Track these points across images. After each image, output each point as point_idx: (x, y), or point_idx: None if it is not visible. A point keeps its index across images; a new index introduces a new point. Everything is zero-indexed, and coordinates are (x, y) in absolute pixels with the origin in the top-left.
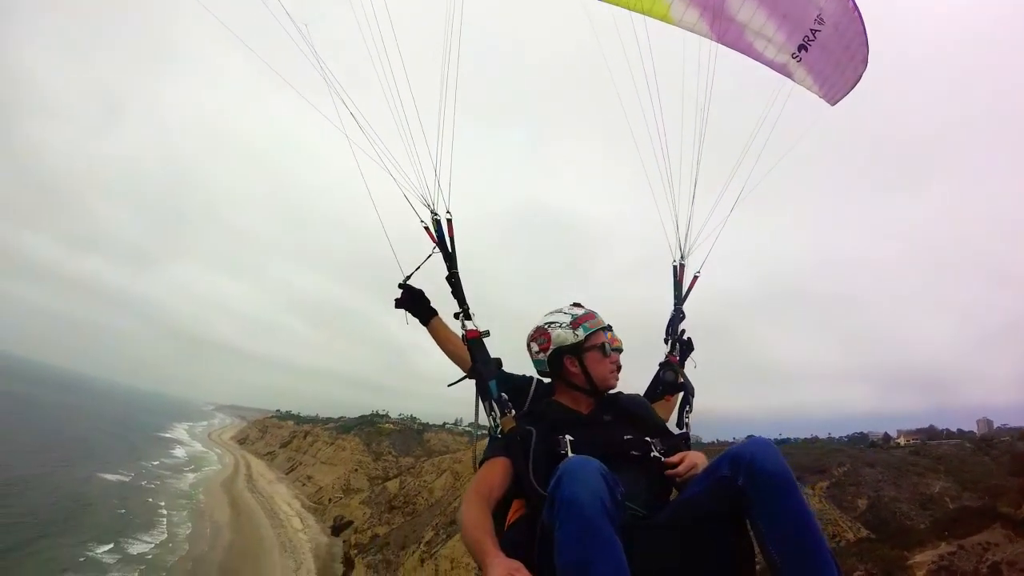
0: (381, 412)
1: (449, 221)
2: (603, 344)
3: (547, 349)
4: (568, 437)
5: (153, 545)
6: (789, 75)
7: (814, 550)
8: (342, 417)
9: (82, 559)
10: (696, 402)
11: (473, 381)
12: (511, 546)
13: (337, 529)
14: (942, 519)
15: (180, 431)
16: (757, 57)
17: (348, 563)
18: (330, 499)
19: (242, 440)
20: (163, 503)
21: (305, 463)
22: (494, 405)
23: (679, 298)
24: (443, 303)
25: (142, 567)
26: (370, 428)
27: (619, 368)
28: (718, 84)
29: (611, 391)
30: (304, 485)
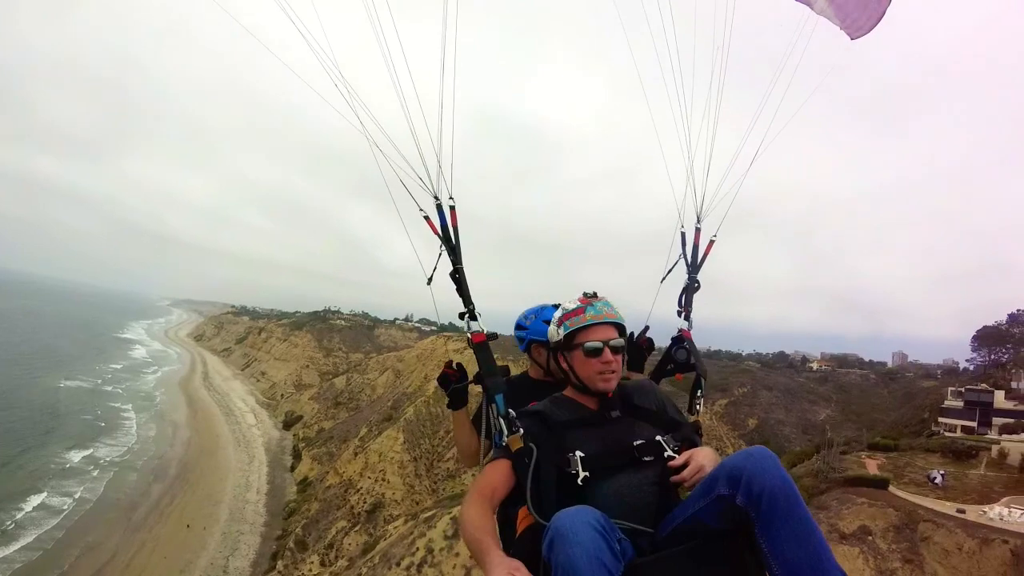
0: (333, 308)
1: (452, 208)
2: (585, 344)
3: (551, 342)
4: (579, 454)
5: (124, 449)
6: (809, 3)
7: (817, 571)
8: (296, 312)
9: (65, 467)
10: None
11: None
12: (520, 556)
13: (288, 424)
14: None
15: (139, 330)
16: None
17: (296, 455)
18: (282, 395)
19: (198, 337)
20: (128, 406)
21: (260, 359)
22: (501, 422)
23: (694, 266)
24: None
25: (116, 469)
26: (322, 324)
27: (613, 371)
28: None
29: (610, 391)
30: (258, 381)
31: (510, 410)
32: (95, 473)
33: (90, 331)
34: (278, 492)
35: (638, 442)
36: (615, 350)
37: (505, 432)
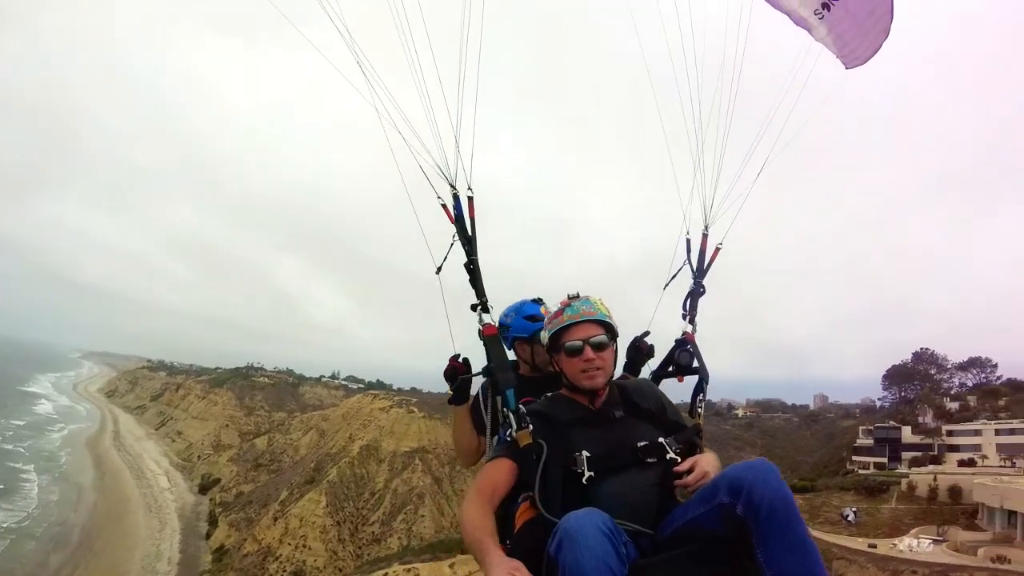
0: (257, 365)
1: (470, 199)
2: (565, 345)
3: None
4: (585, 453)
5: (23, 515)
6: (809, 30)
7: None
8: (217, 368)
9: None
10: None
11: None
12: (518, 553)
13: (204, 487)
14: None
15: (45, 383)
16: (776, 5)
17: (212, 521)
18: (199, 456)
19: (110, 393)
20: (30, 467)
21: (176, 418)
22: (511, 416)
23: (700, 271)
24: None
25: (12, 537)
26: (244, 381)
27: (597, 368)
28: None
29: (597, 388)
30: (174, 441)
31: (520, 406)
32: None
33: None
34: (191, 562)
35: (642, 443)
36: (597, 347)
37: (514, 427)
